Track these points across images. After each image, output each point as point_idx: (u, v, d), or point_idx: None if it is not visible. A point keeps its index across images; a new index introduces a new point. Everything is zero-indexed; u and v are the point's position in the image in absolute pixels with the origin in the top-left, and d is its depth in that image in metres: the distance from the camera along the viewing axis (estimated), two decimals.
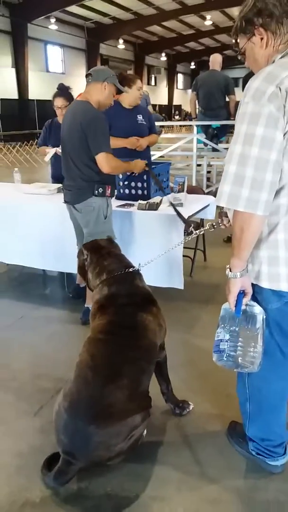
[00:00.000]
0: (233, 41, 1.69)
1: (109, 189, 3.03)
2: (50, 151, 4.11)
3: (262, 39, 1.56)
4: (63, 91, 4.08)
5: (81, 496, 1.83)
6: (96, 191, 2.99)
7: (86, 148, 2.89)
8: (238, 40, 1.65)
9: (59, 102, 4.07)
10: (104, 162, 2.88)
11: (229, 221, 1.91)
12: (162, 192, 3.73)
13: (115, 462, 1.84)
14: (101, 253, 2.33)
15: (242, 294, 1.67)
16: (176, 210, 3.08)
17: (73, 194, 3.10)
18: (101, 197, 3.02)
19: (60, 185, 3.98)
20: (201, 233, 2.39)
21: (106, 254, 2.32)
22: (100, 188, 2.99)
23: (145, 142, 3.86)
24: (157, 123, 10.36)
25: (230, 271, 1.62)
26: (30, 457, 2.03)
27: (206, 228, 2.20)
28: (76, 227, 3.31)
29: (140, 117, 3.94)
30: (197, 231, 2.48)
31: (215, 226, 2.14)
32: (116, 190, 3.35)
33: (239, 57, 1.70)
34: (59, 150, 3.89)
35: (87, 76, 3.04)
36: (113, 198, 3.24)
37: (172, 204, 3.17)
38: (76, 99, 3.11)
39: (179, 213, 3.07)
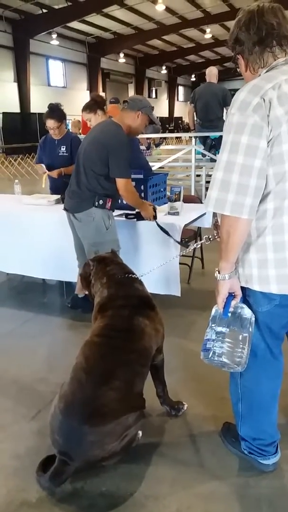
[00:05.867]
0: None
1: (110, 202, 3.12)
2: (43, 176, 4.34)
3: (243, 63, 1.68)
4: (54, 112, 4.11)
5: (76, 496, 1.87)
6: (97, 202, 3.08)
7: (103, 165, 3.00)
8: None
9: (50, 124, 4.12)
10: (123, 186, 3.05)
11: None
12: (159, 203, 3.81)
13: (110, 463, 1.89)
14: (105, 262, 2.42)
15: (231, 296, 1.72)
16: (164, 230, 3.16)
17: (74, 203, 3.18)
18: (101, 208, 3.10)
19: (58, 196, 4.06)
20: (198, 246, 2.45)
21: (109, 262, 2.41)
22: (101, 200, 3.09)
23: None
24: (157, 135, 10.56)
25: (219, 273, 1.68)
26: (27, 459, 2.07)
27: (202, 241, 2.23)
28: (75, 235, 3.38)
29: None
30: (194, 245, 2.61)
31: (211, 239, 2.15)
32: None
33: (238, 70, 1.79)
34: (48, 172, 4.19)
35: (124, 102, 3.15)
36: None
37: (160, 227, 3.22)
38: (110, 119, 3.20)
39: (169, 234, 3.17)
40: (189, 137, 8.71)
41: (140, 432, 2.01)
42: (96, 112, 3.84)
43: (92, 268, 2.43)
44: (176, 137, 19.68)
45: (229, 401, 2.00)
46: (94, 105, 3.86)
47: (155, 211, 3.34)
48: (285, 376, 1.91)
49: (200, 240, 4.25)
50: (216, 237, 2.04)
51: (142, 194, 3.69)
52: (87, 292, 2.57)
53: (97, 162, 3.02)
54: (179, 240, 3.25)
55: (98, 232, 3.14)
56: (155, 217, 3.32)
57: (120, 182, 3.05)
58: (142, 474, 1.97)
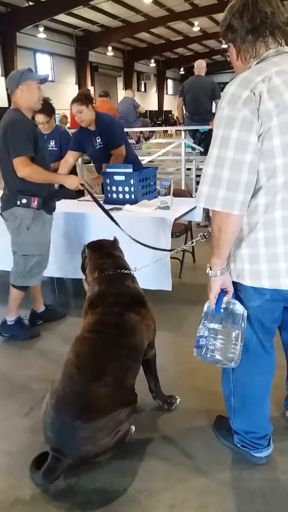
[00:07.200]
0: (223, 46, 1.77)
1: (35, 201, 2.92)
2: None
3: (234, 51, 1.65)
4: (43, 106, 4.08)
5: (70, 492, 1.86)
6: (18, 201, 2.92)
7: (8, 155, 2.84)
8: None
9: (40, 118, 4.10)
10: (19, 166, 2.79)
11: None
12: (150, 197, 3.80)
13: (103, 459, 1.88)
14: (100, 252, 2.38)
15: (223, 292, 1.72)
16: (112, 218, 2.92)
17: (2, 201, 3.08)
18: (25, 208, 2.94)
19: None
20: (193, 244, 2.42)
21: (104, 254, 2.36)
22: (24, 199, 2.91)
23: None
24: (147, 129, 10.52)
25: (211, 269, 1.68)
26: (20, 456, 2.06)
27: (197, 239, 2.21)
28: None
29: (98, 140, 3.95)
30: (189, 243, 2.57)
31: (206, 236, 2.10)
32: (52, 201, 3.18)
33: (228, 59, 1.77)
34: None
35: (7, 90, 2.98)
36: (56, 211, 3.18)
37: (104, 211, 2.99)
38: (9, 108, 3.03)
39: (116, 222, 2.92)
40: (176, 130, 8.68)
41: (133, 427, 2.01)
42: (88, 105, 3.82)
43: (86, 256, 2.40)
44: (165, 131, 19.63)
45: (221, 395, 2.00)
46: (85, 98, 3.83)
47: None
48: (277, 369, 1.92)
49: (191, 235, 4.27)
50: (211, 233, 2.01)
51: (132, 189, 3.68)
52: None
53: (6, 156, 2.85)
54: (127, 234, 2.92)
55: (19, 232, 3.00)
56: (82, 185, 3.07)
57: (15, 163, 2.77)
58: (136, 469, 1.97)
